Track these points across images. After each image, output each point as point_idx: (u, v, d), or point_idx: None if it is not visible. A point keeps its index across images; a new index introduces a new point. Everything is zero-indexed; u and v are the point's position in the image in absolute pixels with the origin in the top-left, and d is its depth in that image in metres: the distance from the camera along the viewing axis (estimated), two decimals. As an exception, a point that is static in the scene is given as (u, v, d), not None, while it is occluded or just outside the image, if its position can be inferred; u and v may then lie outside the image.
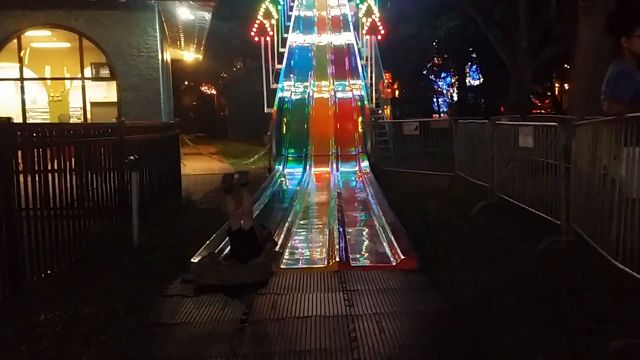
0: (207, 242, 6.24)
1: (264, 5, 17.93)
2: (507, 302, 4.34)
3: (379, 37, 17.44)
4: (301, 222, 7.87)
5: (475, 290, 4.62)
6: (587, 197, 5.45)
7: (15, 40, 14.59)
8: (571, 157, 5.99)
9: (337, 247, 6.08)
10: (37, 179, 5.33)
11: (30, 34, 15.01)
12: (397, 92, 41.45)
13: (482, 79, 40.91)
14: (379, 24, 17.04)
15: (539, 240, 5.91)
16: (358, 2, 19.52)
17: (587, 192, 5.43)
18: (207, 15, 15.94)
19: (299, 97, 16.67)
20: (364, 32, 17.78)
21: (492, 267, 5.23)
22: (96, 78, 15.76)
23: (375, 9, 17.93)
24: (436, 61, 41.27)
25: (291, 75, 17.85)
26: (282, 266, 5.68)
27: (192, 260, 5.59)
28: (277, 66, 18.32)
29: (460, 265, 5.37)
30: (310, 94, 16.60)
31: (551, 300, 4.35)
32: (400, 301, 4.58)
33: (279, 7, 19.56)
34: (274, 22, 18.10)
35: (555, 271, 5.04)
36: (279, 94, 16.32)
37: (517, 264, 5.29)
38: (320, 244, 6.68)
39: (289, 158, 13.87)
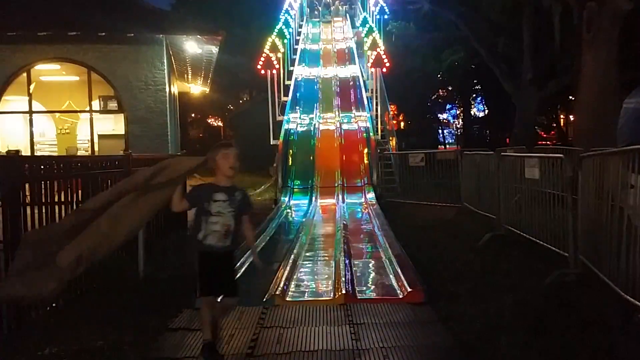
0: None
1: (270, 39, 18.14)
2: (516, 336, 4.27)
3: (384, 69, 17.58)
4: (307, 254, 7.84)
5: (483, 324, 4.57)
6: (594, 228, 5.41)
7: (24, 74, 14.78)
8: (578, 188, 5.97)
9: (343, 279, 6.04)
10: (43, 211, 5.34)
11: (39, 67, 15.21)
12: (402, 123, 41.66)
13: (487, 111, 41.09)
14: (384, 56, 17.19)
15: (547, 273, 5.86)
16: (361, 29, 19.74)
17: (595, 223, 5.40)
18: (215, 49, 16.13)
19: (304, 129, 16.75)
20: (369, 64, 17.94)
21: (500, 300, 5.17)
22: (104, 111, 15.92)
23: (380, 42, 18.10)
24: (441, 93, 41.54)
25: (297, 108, 17.97)
26: (287, 298, 5.64)
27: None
28: (283, 98, 18.46)
29: (468, 299, 5.31)
30: (316, 126, 16.68)
31: (561, 335, 4.29)
32: (407, 335, 4.53)
33: (285, 40, 19.79)
34: (280, 55, 18.29)
35: (564, 305, 4.98)
36: (285, 126, 16.41)
37: (526, 298, 5.23)
38: (326, 276, 6.64)
39: (295, 190, 13.87)
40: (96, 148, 16.07)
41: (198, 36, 15.16)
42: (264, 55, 17.35)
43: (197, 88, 21.84)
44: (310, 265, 7.28)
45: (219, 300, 4.17)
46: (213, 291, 4.12)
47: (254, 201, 15.32)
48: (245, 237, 4.35)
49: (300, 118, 17.37)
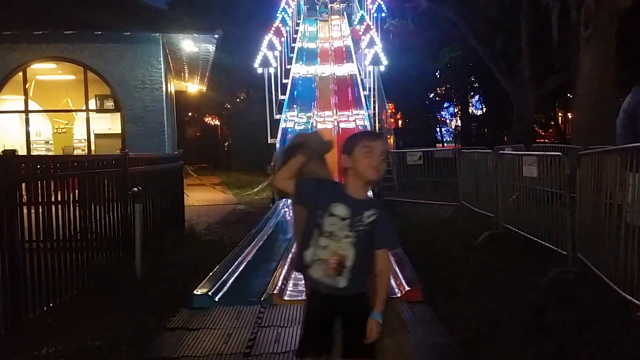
0: (210, 274, 6.20)
1: (267, 38, 18.13)
2: (515, 334, 4.27)
3: (382, 67, 17.56)
4: (305, 253, 7.81)
5: (481, 323, 4.56)
6: (592, 226, 5.41)
7: (20, 73, 14.73)
8: (576, 186, 5.96)
9: (341, 278, 6.01)
10: (40, 210, 5.32)
11: (35, 66, 15.16)
12: (400, 122, 41.67)
13: (485, 109, 41.10)
14: (381, 55, 17.17)
15: (545, 271, 5.85)
16: (359, 27, 19.74)
17: (593, 221, 5.40)
18: (211, 48, 16.09)
19: (302, 127, 16.73)
20: (367, 63, 17.92)
21: (499, 298, 5.16)
22: (100, 110, 15.88)
23: (378, 41, 18.09)
24: (439, 91, 41.55)
25: (294, 106, 17.96)
26: (285, 298, 5.63)
27: (194, 292, 5.55)
28: (281, 97, 18.45)
29: (466, 297, 5.30)
30: (314, 125, 16.67)
31: (559, 332, 4.29)
32: (406, 334, 4.51)
33: (283, 39, 19.77)
34: (277, 53, 18.27)
35: (563, 303, 4.98)
36: (283, 125, 16.39)
37: (524, 296, 5.22)
38: (324, 275, 6.61)
39: (293, 188, 13.83)
40: (93, 147, 16.04)
41: (195, 34, 15.11)
42: (261, 53, 17.33)
43: (194, 87, 21.79)
44: (308, 264, 7.25)
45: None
46: (316, 350, 2.73)
47: (250, 200, 15.45)
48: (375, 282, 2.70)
49: (297, 117, 17.36)
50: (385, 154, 2.77)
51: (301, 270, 2.78)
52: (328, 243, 2.65)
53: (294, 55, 22.19)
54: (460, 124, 44.47)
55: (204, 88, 22.30)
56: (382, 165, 2.73)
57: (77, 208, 6.04)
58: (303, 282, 6.25)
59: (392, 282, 6.05)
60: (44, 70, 16.01)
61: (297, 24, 26.15)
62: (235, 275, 6.49)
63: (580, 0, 12.48)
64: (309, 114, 17.50)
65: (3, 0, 14.50)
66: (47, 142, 17.79)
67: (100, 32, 14.20)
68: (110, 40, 14.56)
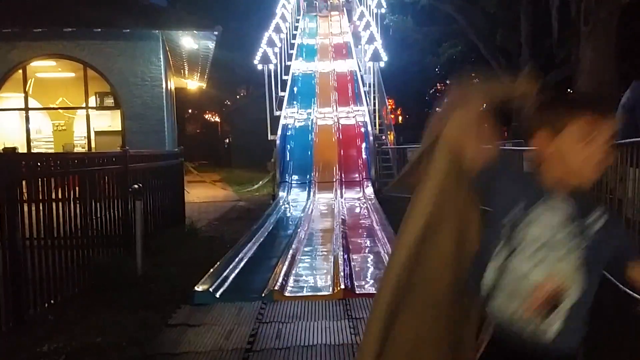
0: (211, 270, 6.20)
1: (267, 34, 18.12)
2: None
3: (382, 63, 17.54)
4: (305, 249, 7.83)
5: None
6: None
7: (20, 71, 14.73)
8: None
9: (342, 274, 6.03)
10: (41, 208, 5.33)
11: (35, 64, 15.15)
12: (400, 118, 41.64)
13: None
14: (381, 51, 17.15)
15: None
16: (358, 23, 19.72)
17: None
18: (211, 44, 16.08)
19: (302, 123, 16.73)
20: (367, 59, 17.90)
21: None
22: (100, 107, 15.88)
23: (378, 36, 18.06)
24: (439, 87, 41.52)
25: (294, 102, 17.95)
26: (286, 294, 5.64)
27: (195, 288, 5.56)
28: (281, 94, 18.43)
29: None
30: (314, 121, 16.66)
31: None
32: (407, 329, 4.51)
33: (282, 35, 19.75)
34: (277, 50, 18.26)
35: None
36: (283, 121, 16.38)
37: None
38: (325, 271, 6.64)
39: (293, 185, 13.87)
40: (93, 144, 16.04)
41: (194, 31, 15.10)
42: (261, 50, 17.32)
43: (193, 84, 21.78)
44: (308, 260, 7.27)
45: None
46: None
47: (251, 197, 15.45)
48: None
49: (297, 113, 17.35)
50: (615, 138, 1.66)
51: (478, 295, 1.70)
52: (531, 270, 1.61)
53: (294, 52, 22.17)
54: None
55: (204, 85, 22.28)
56: (608, 159, 1.62)
57: (78, 205, 6.05)
58: (304, 277, 6.33)
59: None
60: (44, 68, 16.00)
61: (297, 20, 26.11)
62: (236, 272, 6.50)
63: (580, -5, 12.45)
64: (309, 110, 17.49)
65: (2, -1, 14.49)
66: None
67: (100, 29, 14.20)
68: (110, 37, 14.56)
